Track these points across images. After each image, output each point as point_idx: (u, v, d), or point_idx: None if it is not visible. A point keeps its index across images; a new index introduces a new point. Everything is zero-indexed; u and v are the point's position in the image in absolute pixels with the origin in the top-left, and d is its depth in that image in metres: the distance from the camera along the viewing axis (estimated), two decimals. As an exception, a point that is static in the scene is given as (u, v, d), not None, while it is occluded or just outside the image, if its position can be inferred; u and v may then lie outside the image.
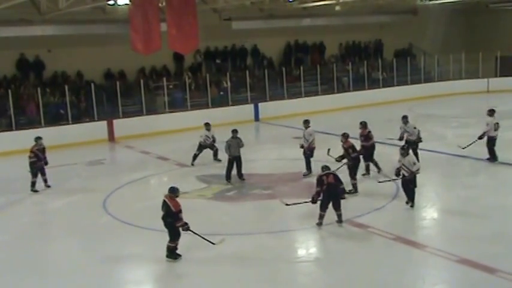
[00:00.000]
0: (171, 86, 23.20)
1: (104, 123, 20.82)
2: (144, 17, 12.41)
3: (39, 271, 9.42)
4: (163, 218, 9.22)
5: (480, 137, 14.43)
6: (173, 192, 9.28)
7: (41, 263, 9.76)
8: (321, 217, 10.46)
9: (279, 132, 20.99)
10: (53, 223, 12.45)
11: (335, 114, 23.91)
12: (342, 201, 10.63)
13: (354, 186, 12.38)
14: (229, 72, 24.51)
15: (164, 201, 9.23)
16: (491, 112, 14.51)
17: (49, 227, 12.22)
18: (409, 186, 11.19)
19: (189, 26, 12.36)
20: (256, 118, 23.90)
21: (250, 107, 23.89)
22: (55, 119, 20.44)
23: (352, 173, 12.46)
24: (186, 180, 14.52)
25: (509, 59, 28.03)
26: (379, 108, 24.78)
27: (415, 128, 14.03)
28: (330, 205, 10.47)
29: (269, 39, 26.40)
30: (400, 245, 9.70)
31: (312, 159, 14.01)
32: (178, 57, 23.69)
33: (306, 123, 14.28)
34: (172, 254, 9.31)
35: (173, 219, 9.13)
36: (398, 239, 9.87)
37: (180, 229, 9.21)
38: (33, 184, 13.93)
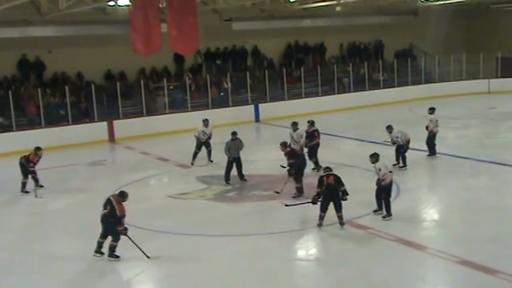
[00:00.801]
0: (171, 87, 23.20)
1: (104, 124, 20.82)
2: (145, 18, 12.36)
3: (39, 271, 9.40)
4: (106, 216, 9.34)
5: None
6: (122, 196, 9.42)
7: (40, 263, 9.74)
8: (321, 218, 10.46)
9: (279, 133, 20.84)
10: (53, 224, 12.40)
11: (335, 115, 23.87)
12: (343, 202, 10.59)
13: (298, 189, 12.43)
14: (229, 73, 24.49)
15: (110, 200, 9.35)
16: (432, 110, 15.42)
17: (49, 227, 12.17)
18: (382, 194, 10.89)
19: (189, 27, 12.30)
20: (257, 119, 23.89)
21: (250, 108, 23.87)
22: (55, 119, 20.43)
23: (297, 178, 12.51)
24: (186, 181, 14.55)
25: (510, 60, 28.02)
26: (380, 109, 24.77)
27: (397, 137, 14.26)
28: (331, 206, 10.46)
29: (269, 40, 26.41)
30: (401, 246, 9.68)
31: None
32: (178, 58, 23.69)
33: (294, 125, 14.35)
34: (111, 252, 9.47)
35: (115, 221, 9.26)
36: (398, 240, 9.85)
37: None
38: (23, 185, 13.98)
